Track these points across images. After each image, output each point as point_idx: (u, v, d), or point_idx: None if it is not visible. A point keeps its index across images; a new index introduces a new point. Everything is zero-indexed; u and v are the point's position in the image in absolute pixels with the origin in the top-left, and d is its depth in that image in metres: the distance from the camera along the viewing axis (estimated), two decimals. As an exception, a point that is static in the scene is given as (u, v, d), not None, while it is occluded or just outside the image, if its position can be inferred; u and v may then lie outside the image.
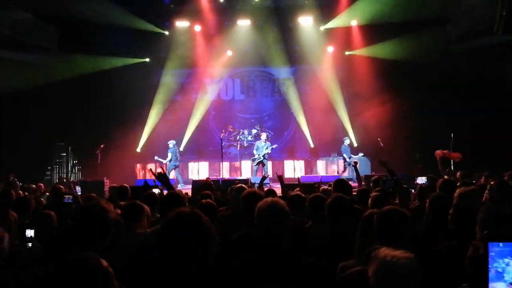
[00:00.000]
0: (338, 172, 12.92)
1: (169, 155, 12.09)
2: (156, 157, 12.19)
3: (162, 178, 4.03)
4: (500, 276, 1.16)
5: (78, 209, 3.71)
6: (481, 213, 2.19)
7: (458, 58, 11.93)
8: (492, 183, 3.42)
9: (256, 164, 12.06)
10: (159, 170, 4.24)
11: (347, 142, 12.31)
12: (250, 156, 13.18)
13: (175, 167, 12.26)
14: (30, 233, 2.69)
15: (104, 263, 1.43)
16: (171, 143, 12.26)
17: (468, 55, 11.76)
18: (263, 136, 12.35)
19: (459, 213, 2.68)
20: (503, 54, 11.45)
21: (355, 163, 6.23)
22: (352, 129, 14.09)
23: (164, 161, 12.03)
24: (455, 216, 2.69)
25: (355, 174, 5.78)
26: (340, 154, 12.76)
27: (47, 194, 7.73)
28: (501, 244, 1.15)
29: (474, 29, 11.77)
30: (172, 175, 12.00)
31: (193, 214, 1.64)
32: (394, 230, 2.09)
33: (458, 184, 4.33)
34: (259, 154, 11.92)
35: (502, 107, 11.39)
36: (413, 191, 5.29)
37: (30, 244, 2.65)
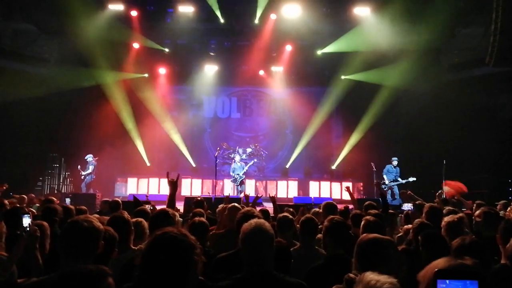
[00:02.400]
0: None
1: (90, 168, 12.27)
2: (79, 167, 12.29)
3: (173, 186, 3.89)
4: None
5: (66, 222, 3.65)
6: (460, 239, 2.26)
7: (451, 86, 12.19)
8: (477, 212, 3.47)
9: (238, 184, 12.22)
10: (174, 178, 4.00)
11: (394, 163, 11.43)
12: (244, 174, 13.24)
13: (92, 180, 12.41)
14: (26, 222, 2.70)
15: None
16: (90, 157, 12.35)
17: (461, 83, 12.03)
18: (237, 158, 12.60)
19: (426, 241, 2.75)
20: (495, 84, 11.73)
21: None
22: (346, 151, 14.21)
23: (84, 173, 12.20)
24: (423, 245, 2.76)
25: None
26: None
27: (37, 205, 7.68)
28: (447, 281, 1.26)
29: (466, 59, 12.09)
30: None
31: (178, 235, 1.61)
32: (375, 257, 2.12)
33: (444, 211, 4.37)
34: (238, 174, 12.13)
35: (494, 135, 11.58)
36: (402, 215, 5.34)
37: (27, 228, 2.66)
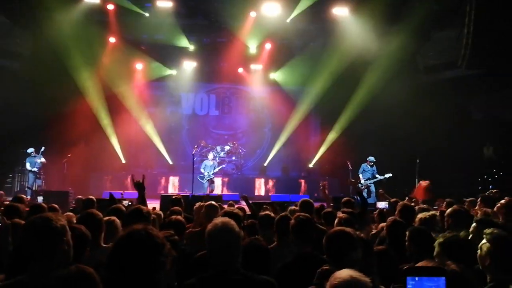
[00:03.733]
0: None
1: (38, 162, 11.55)
2: (28, 164, 11.69)
3: (139, 187, 3.92)
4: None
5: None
6: (440, 238, 2.33)
7: (426, 87, 12.49)
8: (448, 210, 3.57)
9: (206, 182, 12.13)
10: (140, 179, 4.06)
11: (371, 162, 11.22)
12: (222, 172, 13.21)
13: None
14: None
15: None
16: (34, 152, 11.59)
17: (435, 85, 12.34)
18: (210, 156, 12.47)
19: (414, 236, 2.81)
20: (468, 86, 12.10)
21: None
22: (323, 150, 14.37)
23: (35, 169, 11.51)
24: (411, 239, 2.82)
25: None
26: None
27: (7, 202, 7.43)
28: (416, 278, 1.33)
29: (441, 61, 12.41)
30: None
31: (145, 234, 1.57)
32: (341, 250, 2.20)
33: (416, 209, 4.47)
34: (208, 173, 12.06)
35: (466, 135, 11.95)
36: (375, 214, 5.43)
37: None
